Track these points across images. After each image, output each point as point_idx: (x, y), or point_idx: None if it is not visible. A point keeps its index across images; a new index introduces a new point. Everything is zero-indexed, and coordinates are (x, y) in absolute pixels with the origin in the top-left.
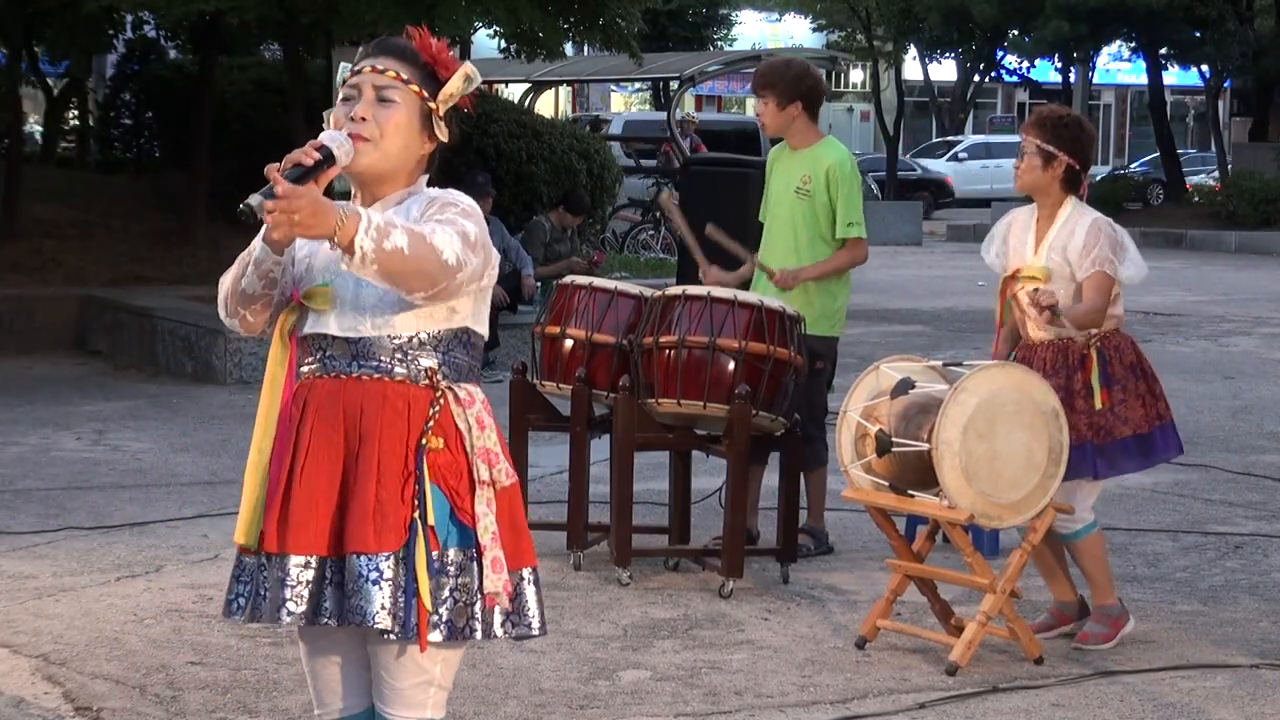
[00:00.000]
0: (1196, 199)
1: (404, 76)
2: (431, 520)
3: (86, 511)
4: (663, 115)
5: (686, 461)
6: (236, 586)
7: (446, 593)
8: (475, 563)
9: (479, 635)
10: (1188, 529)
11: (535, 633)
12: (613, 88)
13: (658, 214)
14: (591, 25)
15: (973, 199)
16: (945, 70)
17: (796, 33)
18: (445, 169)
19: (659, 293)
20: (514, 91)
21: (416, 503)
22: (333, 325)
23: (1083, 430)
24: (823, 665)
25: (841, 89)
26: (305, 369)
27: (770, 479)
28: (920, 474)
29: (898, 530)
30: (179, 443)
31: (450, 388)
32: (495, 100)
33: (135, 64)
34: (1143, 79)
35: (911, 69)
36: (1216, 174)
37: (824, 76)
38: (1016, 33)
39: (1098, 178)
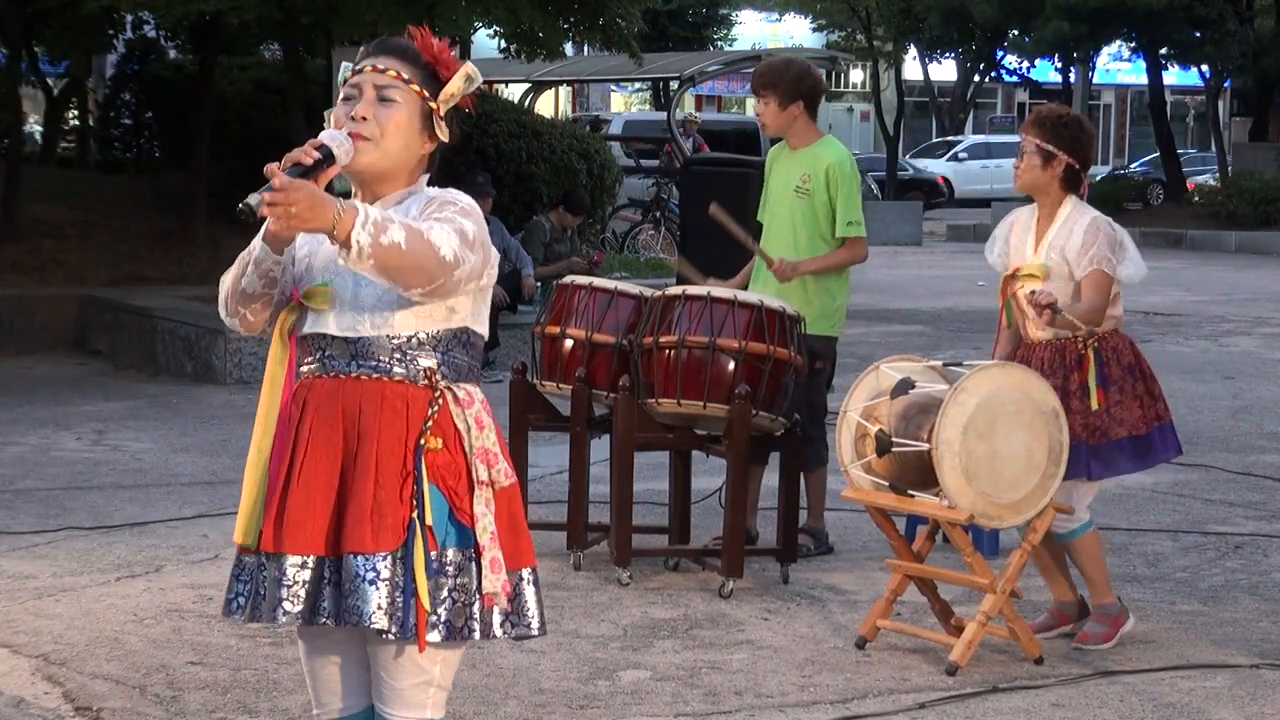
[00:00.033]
0: (1197, 199)
1: (405, 76)
2: (430, 520)
3: (86, 511)
4: (663, 115)
5: (686, 461)
6: (236, 586)
7: (445, 593)
8: (474, 563)
9: (477, 635)
10: (1188, 529)
11: (535, 633)
12: (613, 88)
13: (658, 214)
14: (591, 25)
15: (973, 199)
16: (945, 70)
17: (796, 33)
18: (445, 169)
19: (659, 293)
20: (514, 91)
21: (415, 503)
22: (332, 325)
23: (1078, 431)
24: (823, 665)
25: (841, 89)
26: (305, 369)
27: (770, 479)
28: (920, 474)
29: (898, 530)
30: (179, 443)
31: (449, 388)
32: (495, 100)
33: (135, 64)
34: (1143, 79)
35: (911, 69)
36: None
37: (824, 76)
38: (1016, 33)
39: (1098, 178)
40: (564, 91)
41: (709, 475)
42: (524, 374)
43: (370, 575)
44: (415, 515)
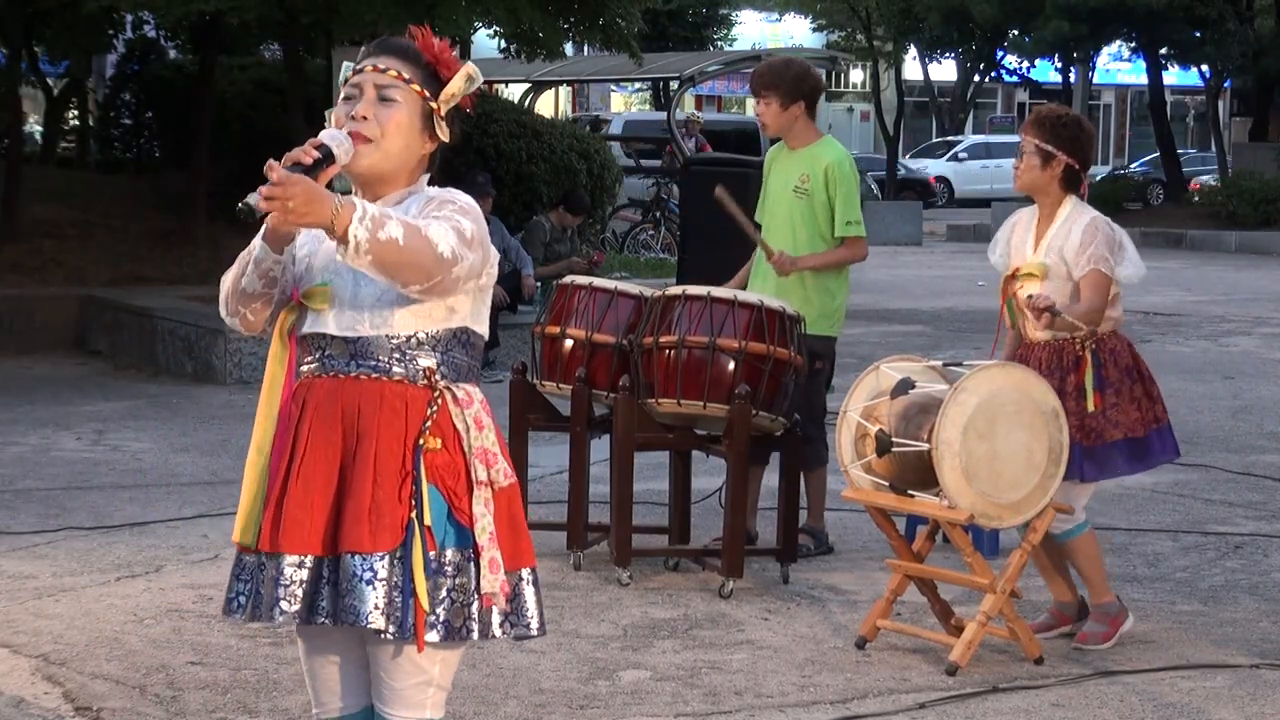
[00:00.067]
0: (1196, 199)
1: (406, 76)
2: (428, 520)
3: (86, 511)
4: (663, 115)
5: (686, 461)
6: (236, 585)
7: (444, 593)
8: (473, 563)
9: (476, 635)
10: (1188, 529)
11: (534, 633)
12: (613, 88)
13: (658, 214)
14: (591, 25)
15: (973, 199)
16: (945, 70)
17: (796, 33)
18: (445, 169)
19: (659, 293)
20: (514, 91)
21: (414, 503)
22: (331, 324)
23: (1072, 433)
24: (823, 665)
25: (841, 89)
26: (304, 368)
27: (770, 479)
28: (920, 474)
29: (898, 530)
30: (179, 443)
31: (448, 387)
32: (495, 100)
33: (135, 64)
34: (1143, 79)
35: (911, 69)
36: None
37: (823, 76)
38: (1016, 33)
39: (1098, 178)
40: (564, 91)
41: (709, 475)
42: (524, 374)
43: (367, 575)
44: (414, 515)
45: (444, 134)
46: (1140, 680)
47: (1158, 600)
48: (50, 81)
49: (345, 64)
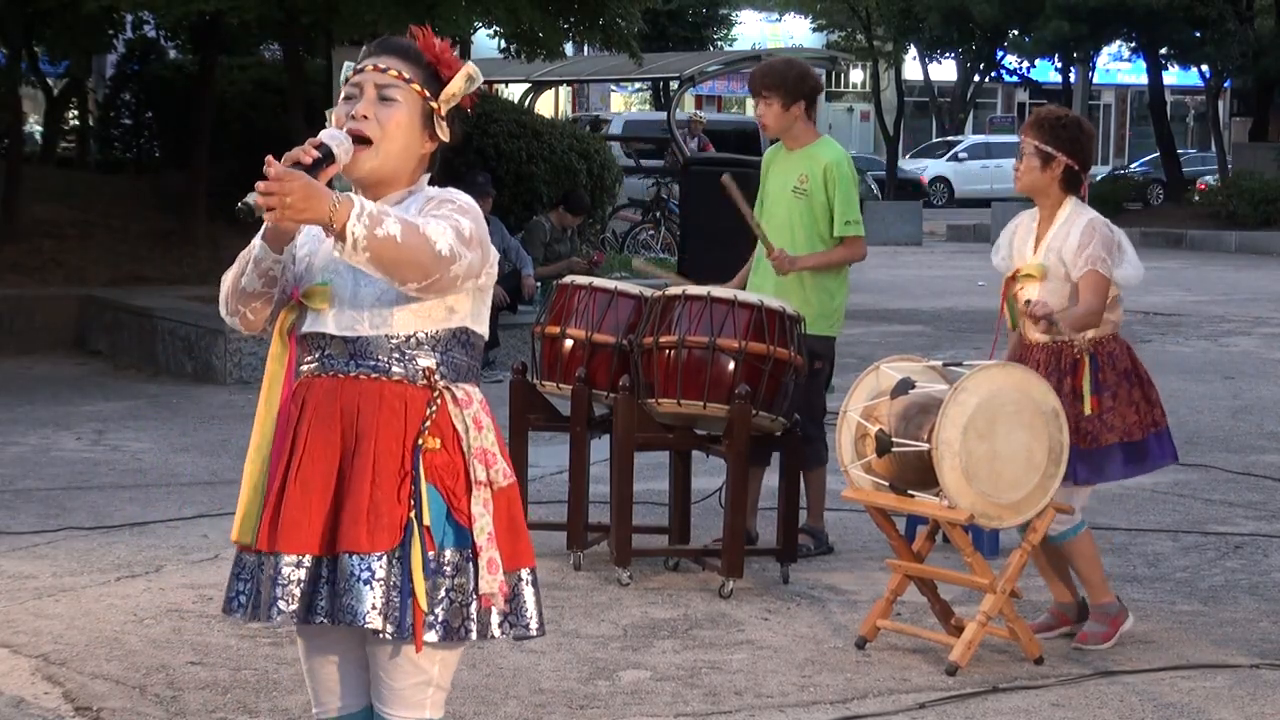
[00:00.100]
0: (1197, 199)
1: (406, 76)
2: (427, 520)
3: (86, 511)
4: (663, 115)
5: (686, 461)
6: (237, 584)
7: (442, 593)
8: (471, 563)
9: (475, 636)
10: (1188, 529)
11: (533, 633)
12: (613, 88)
13: (658, 214)
14: (591, 25)
15: (973, 199)
16: (945, 70)
17: (796, 33)
18: (445, 169)
19: (659, 293)
20: (514, 91)
21: (412, 503)
22: (331, 324)
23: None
24: (823, 665)
25: (841, 89)
26: (304, 368)
27: (770, 479)
28: (920, 474)
29: (898, 530)
30: (179, 443)
31: (448, 388)
32: (495, 100)
33: (135, 64)
34: (1143, 79)
35: (911, 69)
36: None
37: (823, 76)
38: (1016, 33)
39: (1098, 178)
40: (564, 91)
41: (709, 475)
42: (524, 374)
43: (365, 575)
44: (412, 515)
45: (444, 134)
46: (1140, 680)
47: (1158, 600)
48: (50, 81)
49: (346, 64)
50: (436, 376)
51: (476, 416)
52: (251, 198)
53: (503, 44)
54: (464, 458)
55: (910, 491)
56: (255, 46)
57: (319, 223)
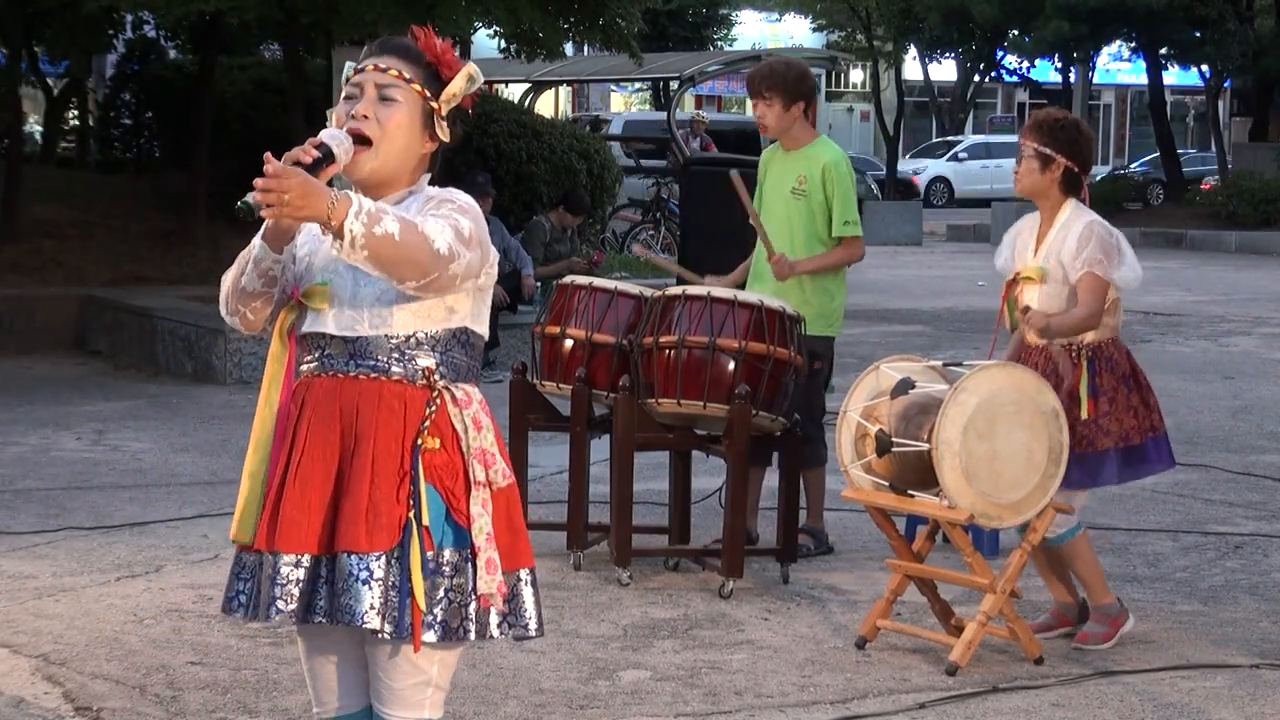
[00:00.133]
0: (1198, 199)
1: (407, 76)
2: (426, 521)
3: (86, 511)
4: (663, 115)
5: (686, 461)
6: (236, 584)
7: (441, 593)
8: (470, 563)
9: (473, 636)
10: (1188, 529)
11: (532, 634)
12: (613, 88)
13: (658, 214)
14: (591, 25)
15: (973, 199)
16: (945, 70)
17: (796, 33)
18: (445, 169)
19: (659, 293)
20: (514, 91)
21: (411, 503)
22: (331, 324)
23: None
24: (823, 665)
25: (841, 89)
26: (304, 368)
27: (770, 479)
28: (920, 474)
29: (898, 530)
30: (179, 443)
31: (447, 388)
32: (495, 100)
33: (135, 64)
34: (1143, 79)
35: (911, 69)
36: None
37: (823, 76)
38: (1016, 33)
39: (1098, 178)
40: (564, 91)
41: (709, 475)
42: (524, 374)
43: (364, 575)
44: (411, 515)
45: (444, 134)
46: (1140, 680)
47: (1158, 600)
48: (50, 81)
49: (348, 63)
50: (436, 376)
51: (476, 417)
52: (251, 197)
53: (503, 44)
54: (463, 458)
55: (910, 491)
56: (255, 46)
57: (317, 220)
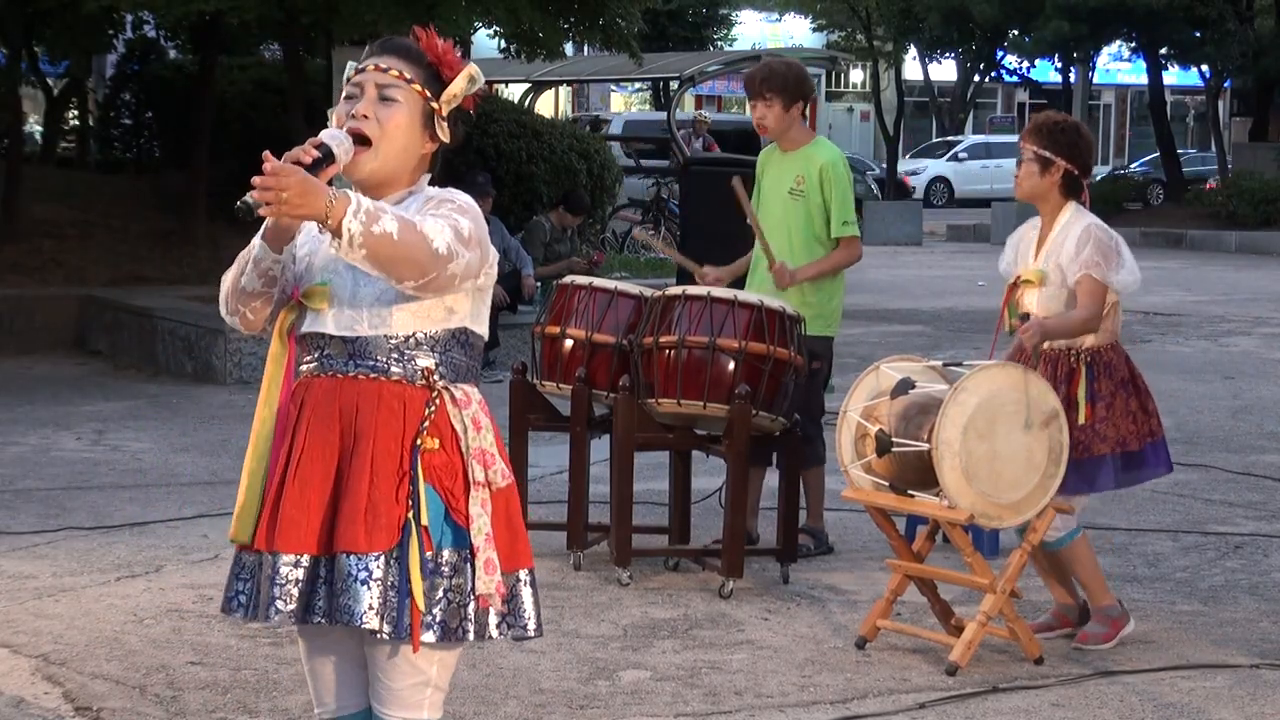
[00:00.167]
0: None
1: (407, 76)
2: (425, 521)
3: (86, 511)
4: (663, 115)
5: (686, 461)
6: (236, 584)
7: (440, 593)
8: (469, 564)
9: (472, 636)
10: (1188, 529)
11: (531, 634)
12: (613, 88)
13: (658, 214)
14: (591, 25)
15: (973, 199)
16: (945, 70)
17: (796, 33)
18: (445, 169)
19: (659, 293)
20: (514, 91)
21: (411, 503)
22: (330, 324)
23: None
24: (823, 665)
25: (841, 89)
26: (304, 368)
27: (770, 479)
28: (920, 474)
29: (898, 530)
30: (179, 443)
31: (447, 388)
32: (495, 100)
33: (135, 64)
34: (1143, 79)
35: (911, 69)
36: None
37: (823, 76)
38: (1016, 33)
39: (1098, 178)
40: (564, 91)
41: (709, 475)
42: (524, 374)
43: (362, 575)
44: (410, 515)
45: (445, 135)
46: (1140, 680)
47: (1158, 600)
48: (50, 81)
49: (349, 63)
50: (435, 377)
51: (475, 417)
52: (250, 196)
53: (503, 44)
54: (462, 458)
55: (910, 491)
56: (255, 46)
57: (315, 218)
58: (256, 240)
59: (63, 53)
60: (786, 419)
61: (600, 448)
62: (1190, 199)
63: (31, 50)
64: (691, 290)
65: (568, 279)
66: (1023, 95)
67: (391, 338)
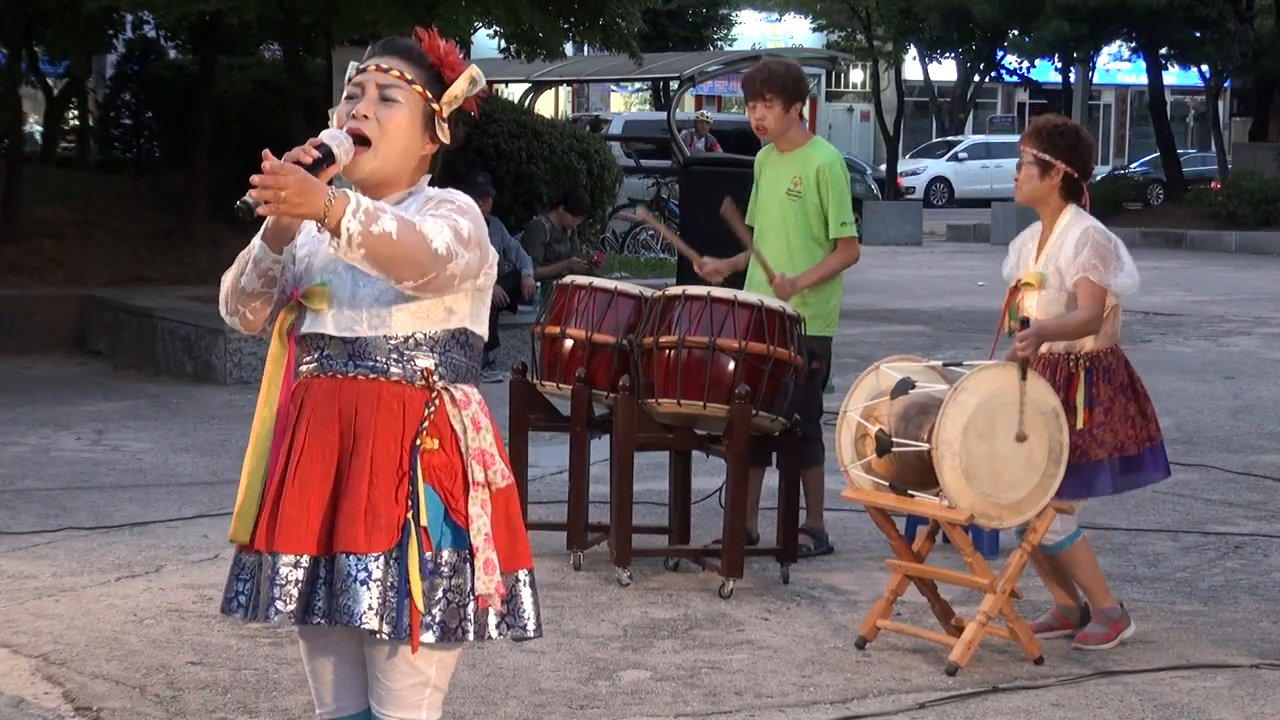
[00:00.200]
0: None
1: (409, 77)
2: (425, 521)
3: (86, 511)
4: (663, 115)
5: (686, 461)
6: (236, 584)
7: (440, 594)
8: (469, 564)
9: (472, 636)
10: (1188, 529)
11: (530, 635)
12: (613, 88)
13: (658, 214)
14: (591, 25)
15: (973, 199)
16: (945, 70)
17: (796, 33)
18: (445, 169)
19: (659, 293)
20: (514, 91)
21: (410, 503)
22: (330, 325)
23: None
24: (823, 665)
25: (841, 89)
26: (303, 368)
27: (770, 479)
28: (920, 474)
29: (898, 530)
30: (179, 443)
31: (446, 388)
32: (495, 100)
33: (135, 64)
34: (1143, 79)
35: (911, 69)
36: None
37: (823, 76)
38: (1016, 33)
39: (1098, 178)
40: (564, 91)
41: (709, 475)
42: (524, 374)
43: (362, 575)
44: (410, 516)
45: (445, 136)
46: (1140, 680)
47: (1158, 600)
48: (50, 81)
49: (351, 63)
50: (435, 377)
51: (475, 417)
52: (250, 195)
53: (503, 44)
54: (462, 458)
55: (910, 491)
56: (255, 46)
57: (314, 217)
58: (256, 240)
59: (63, 53)
60: (786, 419)
61: (600, 448)
62: (1190, 199)
63: (31, 50)
64: (691, 290)
65: (568, 279)
66: (1023, 95)
67: (391, 338)
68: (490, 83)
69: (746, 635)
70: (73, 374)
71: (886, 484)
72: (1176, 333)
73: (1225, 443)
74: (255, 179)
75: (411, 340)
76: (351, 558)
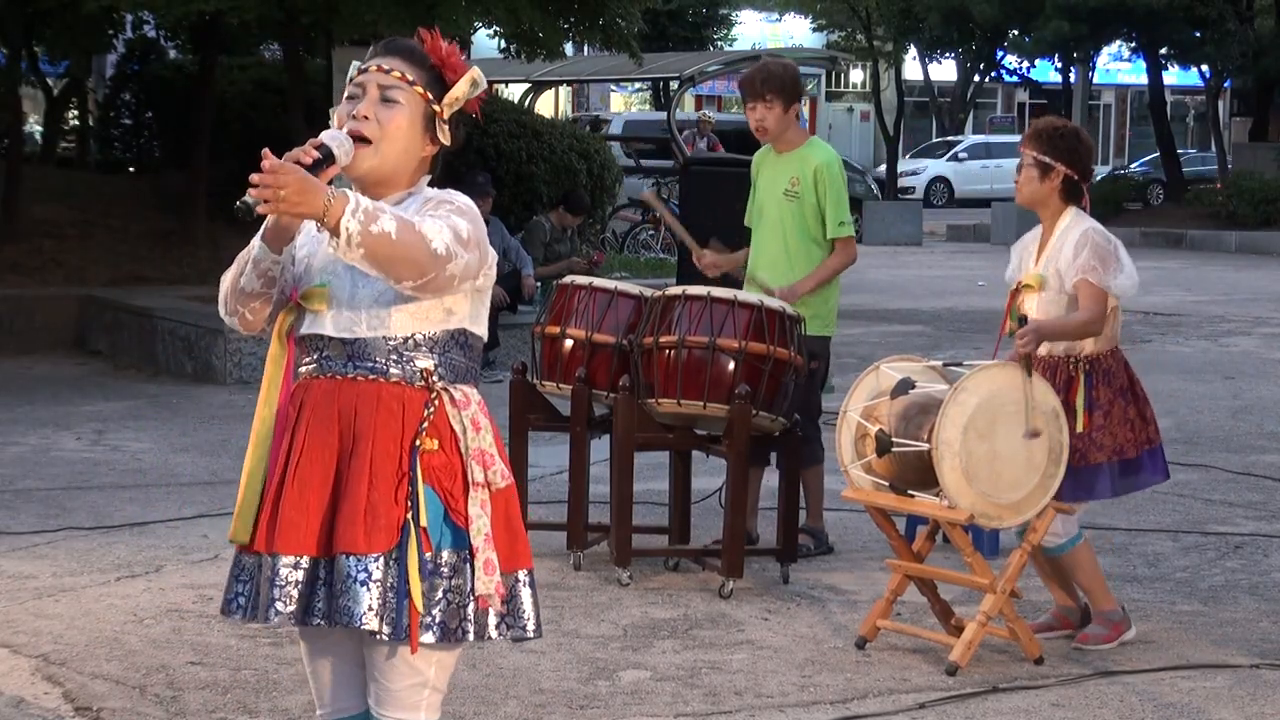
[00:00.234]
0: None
1: (409, 78)
2: (424, 522)
3: (86, 511)
4: (663, 115)
5: (686, 461)
6: (236, 585)
7: (440, 594)
8: (468, 564)
9: (471, 637)
10: (1188, 529)
11: (530, 635)
12: (613, 88)
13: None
14: (591, 25)
15: (973, 199)
16: (945, 70)
17: (796, 33)
18: (445, 170)
19: (659, 293)
20: (514, 91)
21: (410, 504)
22: (329, 326)
23: None
24: (823, 665)
25: (841, 89)
26: (303, 369)
27: (770, 479)
28: (920, 474)
29: (898, 530)
30: (179, 443)
31: (446, 389)
32: (495, 100)
33: (135, 64)
34: (1143, 79)
35: (911, 69)
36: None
37: (823, 76)
38: (1016, 33)
39: (1098, 177)
40: (564, 91)
41: (709, 475)
42: (524, 374)
43: (362, 576)
44: (409, 516)
45: (445, 138)
46: (1140, 680)
47: (1158, 600)
48: (50, 81)
49: (353, 63)
50: (434, 378)
51: (474, 418)
52: (249, 195)
53: (503, 44)
54: (461, 459)
55: (910, 491)
56: (255, 46)
57: (313, 216)
58: (256, 241)
59: (63, 53)
60: (786, 419)
61: (600, 448)
62: (1190, 199)
63: (31, 50)
64: (691, 290)
65: (568, 279)
66: (1023, 95)
67: (390, 339)
68: (490, 83)
69: (746, 635)
70: (73, 374)
71: (886, 484)
72: (1176, 333)
73: (1225, 443)
74: (255, 178)
75: (411, 341)
76: (351, 558)
